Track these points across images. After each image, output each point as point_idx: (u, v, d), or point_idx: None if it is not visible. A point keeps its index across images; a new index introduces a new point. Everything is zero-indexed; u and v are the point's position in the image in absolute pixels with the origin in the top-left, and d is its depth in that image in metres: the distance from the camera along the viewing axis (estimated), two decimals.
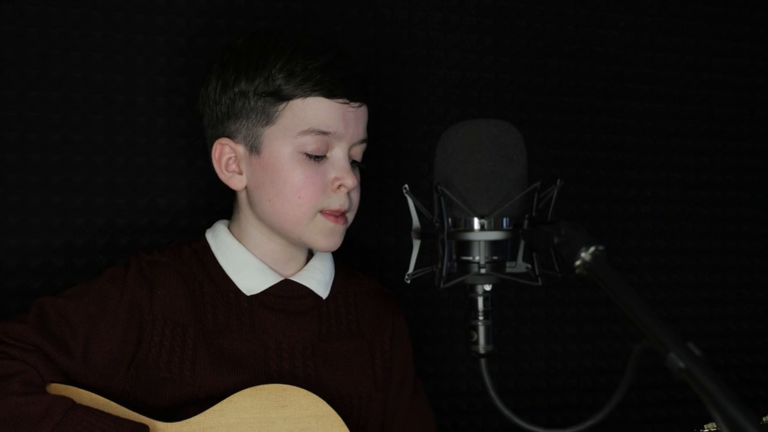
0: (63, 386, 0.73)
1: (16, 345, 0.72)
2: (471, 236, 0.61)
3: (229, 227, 0.85)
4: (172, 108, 0.97)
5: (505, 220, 0.62)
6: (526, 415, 0.58)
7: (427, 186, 0.66)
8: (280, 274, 0.82)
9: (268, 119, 0.78)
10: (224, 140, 0.80)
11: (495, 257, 0.62)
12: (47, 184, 0.92)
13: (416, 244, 0.67)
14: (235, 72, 0.79)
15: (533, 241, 0.61)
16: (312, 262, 0.85)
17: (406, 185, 0.66)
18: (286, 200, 0.78)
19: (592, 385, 1.13)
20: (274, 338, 0.80)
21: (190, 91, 0.97)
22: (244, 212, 0.83)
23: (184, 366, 0.76)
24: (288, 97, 0.77)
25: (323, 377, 0.80)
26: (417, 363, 0.91)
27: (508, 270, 0.63)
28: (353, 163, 0.81)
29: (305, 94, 0.77)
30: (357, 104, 0.80)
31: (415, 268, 0.66)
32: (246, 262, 0.81)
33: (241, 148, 0.80)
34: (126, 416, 0.71)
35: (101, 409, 0.71)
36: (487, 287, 0.62)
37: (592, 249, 0.52)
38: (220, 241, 0.83)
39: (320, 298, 0.83)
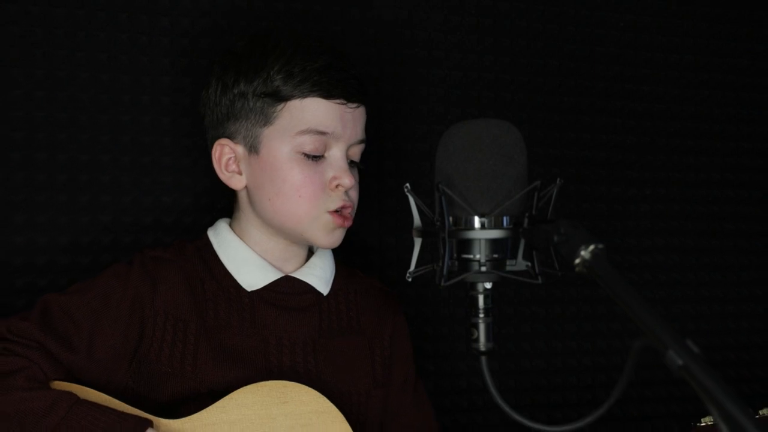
0: (66, 383, 0.73)
1: (19, 342, 0.72)
2: (472, 235, 0.61)
3: (230, 225, 0.85)
4: (176, 108, 0.97)
5: (505, 218, 0.62)
6: (526, 412, 0.59)
7: (428, 185, 0.66)
8: (281, 271, 0.83)
9: (267, 120, 0.78)
10: (224, 141, 0.81)
11: (495, 255, 0.62)
12: (53, 182, 0.92)
13: (417, 243, 0.67)
14: (235, 74, 0.79)
15: (533, 239, 0.61)
16: (313, 259, 0.85)
17: (408, 184, 0.66)
18: (286, 199, 0.78)
19: (591, 382, 1.13)
20: (275, 333, 0.80)
21: (194, 91, 0.97)
22: (245, 211, 0.83)
23: (185, 361, 0.76)
24: (286, 98, 0.77)
25: (323, 373, 0.80)
26: (418, 361, 0.92)
27: (508, 268, 0.63)
28: (352, 163, 0.81)
29: (303, 95, 0.77)
30: (355, 105, 0.80)
31: (417, 266, 0.67)
32: (247, 259, 0.82)
33: (240, 149, 0.80)
34: (129, 412, 0.71)
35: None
36: (488, 285, 0.62)
37: (591, 247, 0.52)
38: (222, 238, 0.83)
39: (321, 294, 0.84)
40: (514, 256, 0.64)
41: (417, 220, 0.67)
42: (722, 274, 1.21)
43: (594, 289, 1.13)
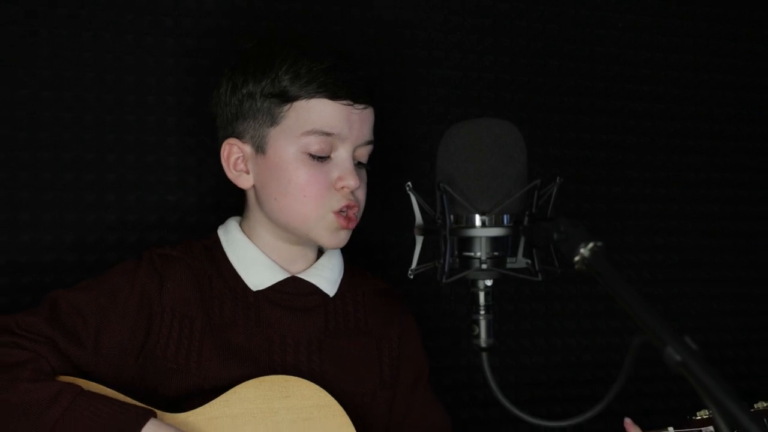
0: (72, 378, 0.73)
1: (27, 336, 0.73)
2: (472, 232, 0.62)
3: (240, 224, 0.85)
4: (181, 107, 0.98)
5: (505, 216, 0.62)
6: (526, 408, 0.59)
7: (429, 184, 0.66)
8: (288, 271, 0.83)
9: (274, 120, 0.79)
10: (232, 140, 0.81)
11: (496, 253, 0.62)
12: (59, 181, 0.93)
13: (419, 241, 0.68)
14: (244, 74, 0.80)
15: (533, 237, 0.61)
16: (321, 260, 0.85)
17: (409, 183, 0.67)
18: (291, 199, 0.78)
19: (590, 377, 1.13)
20: (279, 333, 0.80)
21: (199, 90, 0.97)
22: (253, 210, 0.84)
23: (190, 357, 0.77)
24: (293, 99, 0.78)
25: (327, 373, 0.80)
26: None
27: (508, 265, 0.63)
28: (359, 164, 0.81)
29: (309, 96, 0.77)
30: (362, 106, 0.80)
31: (418, 263, 0.67)
32: (254, 259, 0.82)
33: (248, 148, 0.81)
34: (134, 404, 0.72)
35: None
36: (488, 282, 0.62)
37: (591, 245, 0.52)
38: (231, 237, 0.84)
39: (327, 295, 0.84)
40: (515, 254, 0.64)
41: (418, 218, 0.67)
42: (720, 272, 1.21)
43: (593, 286, 1.13)
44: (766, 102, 1.23)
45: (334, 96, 0.78)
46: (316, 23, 1.02)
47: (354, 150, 0.80)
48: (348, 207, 0.79)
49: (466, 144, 0.63)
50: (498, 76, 1.11)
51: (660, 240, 1.19)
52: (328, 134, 0.78)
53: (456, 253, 0.63)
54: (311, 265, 0.84)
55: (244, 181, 0.82)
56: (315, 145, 0.78)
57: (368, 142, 0.82)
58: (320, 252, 0.87)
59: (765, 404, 0.80)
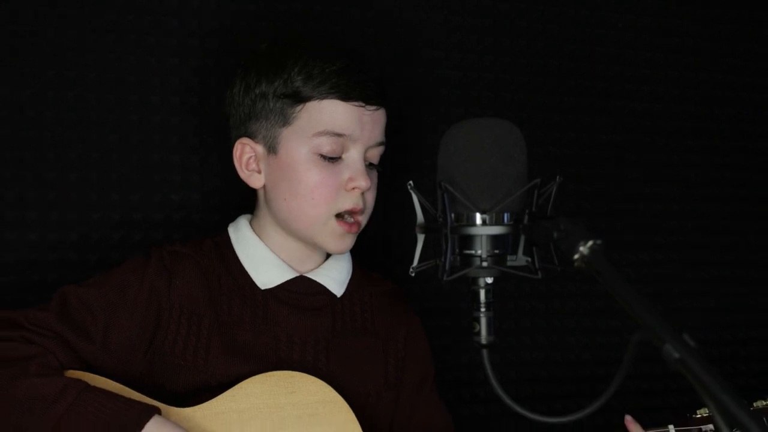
0: (80, 372, 0.74)
1: (36, 331, 0.73)
2: (473, 231, 0.62)
3: (251, 222, 0.85)
4: (185, 107, 0.98)
5: (506, 215, 0.62)
6: (526, 404, 0.59)
7: (430, 182, 0.66)
8: (297, 271, 0.83)
9: (286, 120, 0.79)
10: (245, 140, 0.82)
11: (496, 251, 0.62)
12: (64, 181, 0.93)
13: (420, 239, 0.68)
14: (257, 75, 0.80)
15: (533, 235, 0.61)
16: (329, 260, 0.85)
17: (411, 182, 0.67)
18: (301, 200, 0.78)
19: (590, 374, 1.14)
20: (286, 331, 0.81)
21: (202, 90, 0.98)
22: (263, 210, 0.84)
23: (198, 354, 0.77)
24: (305, 99, 0.78)
25: (333, 371, 0.81)
26: None
27: (509, 263, 0.63)
28: (370, 165, 0.81)
29: (322, 97, 0.78)
30: (373, 107, 0.80)
31: (420, 261, 0.67)
32: (264, 257, 0.82)
33: (260, 148, 0.81)
34: (139, 400, 0.72)
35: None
36: (489, 280, 0.63)
37: (590, 243, 0.52)
38: (241, 235, 0.84)
39: (335, 295, 0.84)
40: (515, 252, 0.64)
41: (420, 216, 0.68)
42: (719, 271, 1.22)
43: (592, 284, 1.13)
44: (766, 102, 1.23)
45: (346, 97, 0.78)
46: (316, 23, 1.02)
47: (365, 151, 0.80)
48: (353, 212, 0.79)
49: (466, 144, 0.63)
50: (498, 76, 1.11)
51: (659, 239, 1.19)
52: (339, 135, 0.78)
53: (457, 251, 0.63)
54: (320, 264, 0.85)
55: (255, 181, 0.82)
56: (327, 145, 0.78)
57: (380, 144, 0.82)
58: (329, 253, 0.87)
59: (764, 403, 0.80)
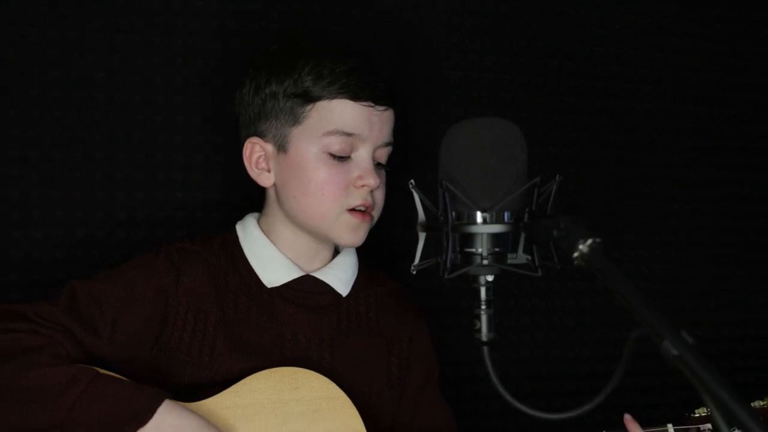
0: (87, 366, 0.74)
1: (44, 324, 0.74)
2: (474, 229, 0.62)
3: (258, 221, 0.86)
4: (188, 106, 0.98)
5: (506, 213, 0.63)
6: (526, 401, 0.59)
7: (432, 181, 0.67)
8: (303, 270, 0.83)
9: (296, 119, 0.79)
10: (255, 139, 0.82)
11: (497, 249, 0.62)
12: (69, 179, 0.93)
13: (422, 237, 0.68)
14: (267, 75, 0.80)
15: (533, 233, 0.61)
16: (336, 259, 0.86)
17: (412, 180, 0.67)
18: (310, 197, 0.79)
19: (589, 371, 1.14)
20: (291, 329, 0.81)
21: (206, 90, 0.98)
22: (272, 208, 0.84)
23: (203, 351, 0.78)
24: (315, 99, 0.78)
25: (337, 370, 0.81)
26: None
27: (509, 261, 0.64)
28: (378, 165, 0.82)
29: (332, 96, 0.78)
30: (382, 108, 0.80)
31: (421, 259, 0.67)
32: (271, 256, 0.83)
33: (270, 147, 0.81)
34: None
35: None
36: (489, 278, 0.63)
37: (589, 241, 0.53)
38: (249, 233, 0.84)
39: (340, 295, 0.84)
40: (515, 250, 0.64)
41: (421, 215, 0.68)
42: (716, 268, 1.22)
43: (592, 282, 1.13)
44: (766, 102, 1.23)
45: (355, 97, 0.78)
46: (316, 23, 1.02)
47: (374, 151, 0.80)
48: (364, 206, 0.80)
49: (467, 143, 0.64)
50: (498, 76, 1.11)
51: (658, 238, 1.19)
52: (349, 134, 0.78)
53: (458, 249, 0.63)
54: (326, 263, 0.85)
55: (265, 180, 0.82)
56: (336, 144, 0.78)
57: (388, 144, 0.82)
58: (336, 251, 0.87)
59: (761, 403, 0.80)
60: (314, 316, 0.82)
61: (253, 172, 0.83)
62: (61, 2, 0.93)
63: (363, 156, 0.79)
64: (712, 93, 1.21)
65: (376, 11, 1.05)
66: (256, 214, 0.87)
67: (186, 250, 0.81)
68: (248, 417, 0.75)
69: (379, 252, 1.04)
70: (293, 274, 0.82)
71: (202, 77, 0.98)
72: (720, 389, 0.43)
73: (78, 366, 0.71)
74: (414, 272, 0.67)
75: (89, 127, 0.94)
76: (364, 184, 0.79)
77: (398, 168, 1.01)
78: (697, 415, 0.80)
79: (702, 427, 0.79)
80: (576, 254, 0.53)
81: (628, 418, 0.77)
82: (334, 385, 0.77)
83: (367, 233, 0.82)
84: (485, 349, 0.62)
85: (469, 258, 0.62)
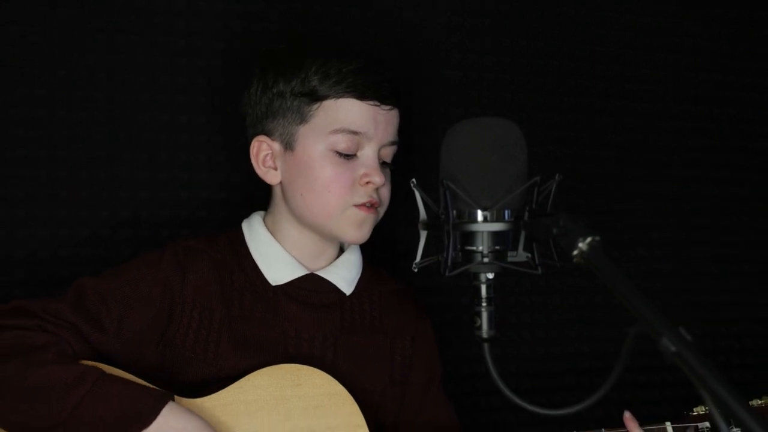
0: (92, 363, 0.74)
1: (51, 321, 0.74)
2: (474, 227, 0.62)
3: (264, 219, 0.86)
4: (192, 106, 0.98)
5: (506, 212, 0.63)
6: (527, 396, 0.59)
7: (433, 180, 0.67)
8: (308, 268, 0.84)
9: (303, 118, 0.80)
10: (262, 138, 0.82)
11: (497, 247, 0.63)
12: (75, 179, 0.94)
13: (423, 235, 0.68)
14: (274, 74, 0.81)
15: (533, 232, 0.61)
16: (340, 258, 0.86)
17: (414, 179, 0.67)
18: (317, 195, 0.79)
19: (588, 367, 1.14)
20: (295, 327, 0.81)
21: (210, 90, 0.98)
22: (279, 206, 0.85)
23: (208, 348, 0.78)
24: (322, 98, 0.79)
25: (340, 367, 0.81)
26: None
27: (509, 259, 0.64)
28: (383, 163, 0.82)
29: (338, 95, 0.79)
30: (388, 107, 0.81)
31: (422, 257, 0.68)
32: (276, 254, 0.83)
33: (277, 145, 0.82)
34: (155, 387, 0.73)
35: None
36: (490, 275, 0.63)
37: (589, 239, 0.53)
38: (254, 231, 0.85)
39: (344, 293, 0.84)
40: (515, 248, 0.64)
41: (423, 213, 0.68)
42: (715, 265, 1.22)
43: (591, 279, 1.13)
44: (766, 102, 1.23)
45: (361, 96, 0.79)
46: (316, 23, 1.02)
47: (379, 149, 0.81)
48: (370, 203, 0.80)
49: (468, 143, 0.64)
50: (498, 76, 1.11)
51: (658, 237, 1.19)
52: (355, 133, 0.79)
53: (459, 247, 0.63)
54: (331, 262, 0.85)
55: (272, 178, 0.83)
56: (342, 143, 0.79)
57: (393, 143, 0.83)
58: (341, 250, 0.87)
59: (759, 402, 0.80)
60: (318, 314, 0.83)
61: (260, 171, 0.83)
62: (65, 3, 0.93)
63: (369, 154, 0.80)
64: (712, 93, 1.21)
65: (376, 11, 1.05)
66: (262, 213, 0.87)
67: (192, 248, 0.81)
68: (251, 413, 0.75)
69: (381, 250, 1.05)
70: (298, 272, 0.83)
71: (206, 77, 0.98)
72: (718, 385, 0.43)
73: (84, 365, 0.72)
74: (415, 270, 0.67)
75: (94, 126, 0.95)
76: (370, 181, 0.79)
77: (399, 167, 1.01)
78: (695, 413, 0.80)
79: (700, 425, 0.79)
80: (575, 252, 0.53)
81: (627, 416, 0.77)
82: (336, 382, 0.78)
83: (371, 230, 0.82)
84: (486, 345, 0.62)
85: (469, 256, 0.63)
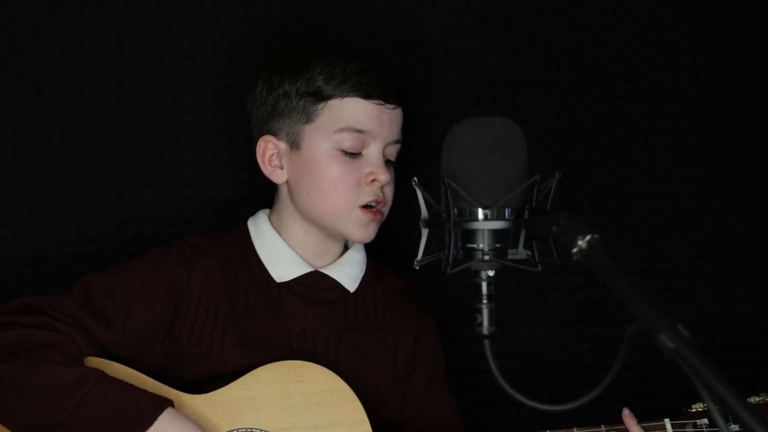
0: (98, 359, 0.75)
1: (58, 318, 0.74)
2: (475, 225, 0.62)
3: (269, 217, 0.86)
4: (197, 106, 0.99)
5: (507, 210, 0.63)
6: (527, 392, 0.59)
7: (434, 179, 0.67)
8: (312, 265, 0.84)
9: (308, 118, 0.80)
10: (268, 137, 0.83)
11: (498, 245, 0.63)
12: (82, 177, 0.94)
13: (424, 233, 0.68)
14: (280, 75, 0.81)
15: (533, 230, 0.62)
16: (345, 256, 0.86)
17: (415, 178, 0.67)
18: (323, 193, 0.80)
19: (588, 364, 1.14)
20: (299, 323, 0.82)
21: (215, 90, 0.99)
22: (284, 204, 0.85)
23: (213, 344, 0.78)
24: (327, 97, 0.79)
25: (343, 364, 0.81)
26: None
27: (510, 257, 0.64)
28: (387, 162, 0.83)
29: (343, 95, 0.79)
30: (392, 106, 0.82)
31: (424, 255, 0.68)
32: (281, 251, 0.83)
33: (283, 145, 0.82)
34: (155, 389, 0.73)
35: (133, 381, 0.73)
36: (491, 273, 0.63)
37: (588, 237, 0.53)
38: (260, 229, 0.85)
39: (348, 290, 0.85)
40: (516, 246, 0.64)
41: (424, 211, 0.68)
42: (713, 263, 1.22)
43: (590, 277, 1.13)
44: (766, 102, 1.22)
45: (366, 95, 0.79)
46: (316, 23, 1.02)
47: (384, 148, 0.81)
48: (376, 202, 0.80)
49: (468, 143, 0.64)
50: (498, 76, 1.11)
51: (658, 236, 1.19)
52: (360, 131, 0.79)
53: (460, 244, 0.63)
54: (336, 260, 0.85)
55: (278, 176, 0.83)
56: (347, 141, 0.79)
57: (397, 141, 0.83)
58: (346, 248, 0.88)
59: (757, 399, 0.80)
60: (322, 310, 0.83)
61: (267, 170, 0.83)
62: (68, 3, 0.94)
63: (374, 153, 0.80)
64: (712, 93, 1.20)
65: (376, 11, 1.05)
66: (267, 211, 0.87)
67: (197, 245, 0.82)
68: (254, 409, 0.75)
69: (383, 248, 1.05)
70: (302, 269, 0.83)
71: (211, 78, 0.99)
72: (716, 382, 0.43)
73: (87, 367, 0.72)
74: (417, 267, 0.67)
75: (100, 126, 0.95)
76: (375, 179, 0.80)
77: (401, 166, 1.01)
78: (694, 410, 0.80)
79: (698, 421, 0.79)
80: (575, 250, 0.53)
81: (626, 413, 0.77)
82: (339, 378, 0.78)
83: (377, 229, 0.82)
84: (486, 342, 0.62)
85: (470, 253, 0.63)
